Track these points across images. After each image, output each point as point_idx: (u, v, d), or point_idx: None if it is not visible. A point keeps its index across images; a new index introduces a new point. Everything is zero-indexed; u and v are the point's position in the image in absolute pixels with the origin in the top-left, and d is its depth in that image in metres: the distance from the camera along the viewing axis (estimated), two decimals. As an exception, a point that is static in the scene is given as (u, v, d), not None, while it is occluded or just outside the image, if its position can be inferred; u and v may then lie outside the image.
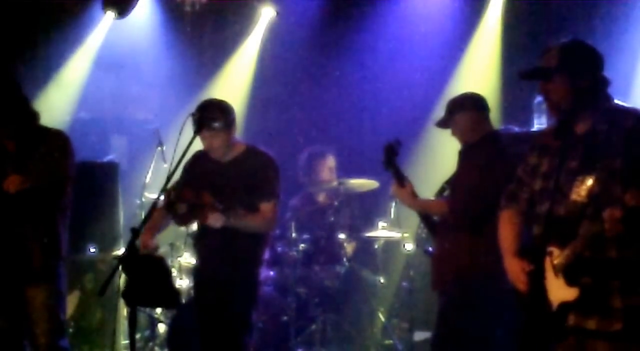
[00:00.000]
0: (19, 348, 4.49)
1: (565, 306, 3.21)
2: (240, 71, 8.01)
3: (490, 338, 4.42)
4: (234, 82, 7.97)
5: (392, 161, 4.63)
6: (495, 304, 4.26)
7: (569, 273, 3.20)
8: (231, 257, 4.75)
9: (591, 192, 3.14)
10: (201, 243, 4.93)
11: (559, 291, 3.22)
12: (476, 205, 4.36)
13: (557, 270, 3.23)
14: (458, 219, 4.48)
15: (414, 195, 4.67)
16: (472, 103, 4.63)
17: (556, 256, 3.24)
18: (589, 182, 3.14)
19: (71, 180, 4.51)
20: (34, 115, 4.52)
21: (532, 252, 3.37)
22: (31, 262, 4.38)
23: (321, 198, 6.94)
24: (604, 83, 3.36)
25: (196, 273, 5.06)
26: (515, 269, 3.43)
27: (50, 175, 4.33)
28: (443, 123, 4.67)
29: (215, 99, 4.85)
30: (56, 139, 4.46)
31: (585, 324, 3.20)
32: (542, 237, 3.30)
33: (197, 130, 4.44)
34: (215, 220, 4.50)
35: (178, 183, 4.67)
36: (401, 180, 4.67)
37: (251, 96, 7.88)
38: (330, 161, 6.91)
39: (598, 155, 3.21)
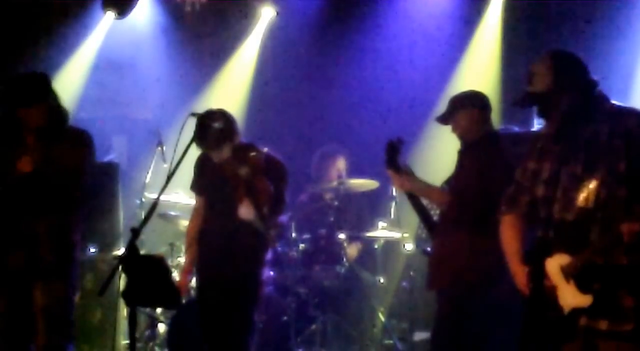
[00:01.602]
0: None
1: (577, 311, 3.22)
2: (240, 71, 8.00)
3: (488, 338, 4.41)
4: (234, 82, 7.96)
5: (394, 159, 4.62)
6: (493, 305, 4.26)
7: (581, 280, 3.20)
8: (233, 256, 4.76)
9: (597, 197, 3.14)
10: (203, 242, 4.95)
11: (571, 297, 3.22)
12: (475, 205, 4.35)
13: (568, 276, 3.22)
14: (456, 217, 4.46)
15: (413, 177, 4.62)
16: (475, 101, 4.63)
17: (566, 262, 3.24)
18: (595, 186, 3.13)
19: (86, 179, 4.48)
20: (63, 115, 4.53)
21: (537, 257, 3.36)
22: (43, 261, 4.36)
23: (328, 197, 6.94)
24: (594, 86, 3.35)
25: (199, 273, 5.06)
26: (522, 276, 3.42)
27: (64, 168, 4.33)
28: (443, 119, 4.66)
29: (210, 112, 4.80)
30: (77, 137, 4.49)
31: (596, 325, 3.21)
32: (549, 242, 3.29)
33: (199, 145, 4.53)
34: (246, 213, 4.56)
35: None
36: (398, 171, 4.62)
37: (251, 96, 7.87)
38: (340, 162, 6.92)
39: (601, 159, 3.21)
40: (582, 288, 3.19)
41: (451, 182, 4.66)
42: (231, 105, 6.60)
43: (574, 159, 3.29)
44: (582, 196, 3.19)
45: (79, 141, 4.48)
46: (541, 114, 3.41)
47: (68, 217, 4.46)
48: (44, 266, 4.37)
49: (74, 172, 4.39)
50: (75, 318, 6.27)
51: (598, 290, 3.17)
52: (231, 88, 7.87)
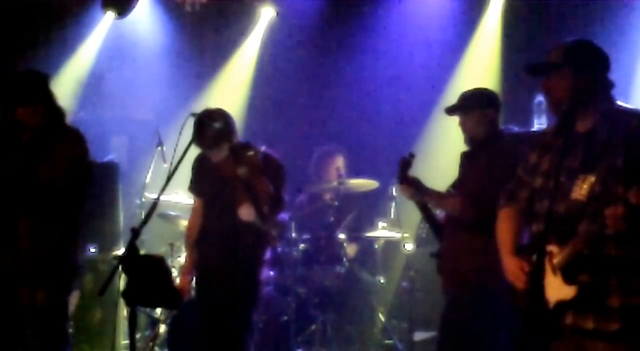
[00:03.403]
0: None
1: (562, 304, 3.20)
2: (240, 71, 8.01)
3: (494, 339, 4.41)
4: (234, 82, 7.97)
5: (405, 174, 4.64)
6: (499, 305, 4.24)
7: (568, 271, 3.19)
8: (233, 256, 4.77)
9: (592, 191, 3.15)
10: (203, 243, 4.95)
11: (557, 289, 3.21)
12: (488, 208, 4.34)
13: (555, 268, 3.22)
14: (474, 220, 4.44)
15: (421, 187, 4.62)
16: (490, 100, 4.62)
17: (555, 254, 3.23)
18: (590, 181, 3.14)
19: (83, 182, 4.42)
20: (59, 112, 4.48)
21: (530, 250, 3.35)
22: (24, 264, 4.28)
23: (327, 197, 6.95)
24: (608, 84, 3.36)
25: (198, 273, 5.07)
26: (513, 268, 3.40)
27: (54, 169, 4.25)
28: (452, 111, 4.64)
29: (209, 111, 4.80)
30: (71, 139, 4.40)
31: (582, 324, 3.19)
32: (542, 235, 3.27)
33: (198, 145, 4.52)
34: (247, 214, 4.56)
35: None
36: (408, 183, 4.63)
37: (251, 96, 7.87)
38: (339, 161, 6.93)
39: (599, 155, 3.21)
40: (568, 279, 3.18)
41: (459, 184, 4.64)
42: (231, 105, 6.61)
43: (573, 154, 3.29)
44: (576, 190, 3.19)
45: (72, 143, 4.39)
46: (544, 91, 3.39)
47: (56, 220, 4.34)
48: (27, 271, 4.28)
49: (63, 175, 4.28)
50: (75, 318, 6.34)
51: (583, 282, 3.16)
52: (231, 89, 7.88)
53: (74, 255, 4.48)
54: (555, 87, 3.33)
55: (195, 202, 5.11)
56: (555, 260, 3.23)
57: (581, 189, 3.17)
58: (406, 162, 4.63)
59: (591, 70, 3.32)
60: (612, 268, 3.16)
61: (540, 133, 3.63)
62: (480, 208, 4.35)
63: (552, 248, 3.25)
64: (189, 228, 5.10)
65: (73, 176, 4.33)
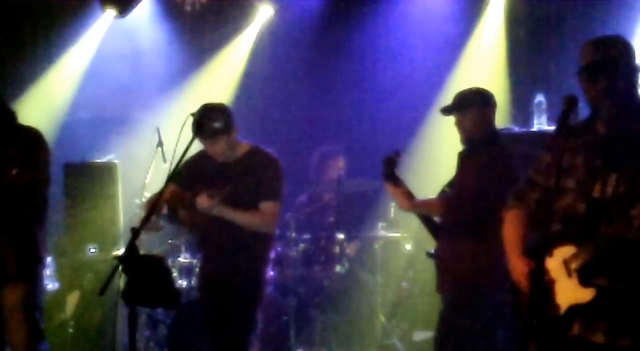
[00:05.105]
0: None
1: (574, 309, 3.10)
2: (240, 71, 8.01)
3: (492, 339, 4.41)
4: (234, 82, 7.97)
5: (392, 173, 4.65)
6: (497, 305, 4.25)
7: (585, 273, 3.07)
8: (235, 255, 4.76)
9: (616, 190, 3.07)
10: (205, 241, 4.94)
11: (571, 293, 3.10)
12: (474, 207, 4.35)
13: (572, 269, 3.10)
14: (455, 221, 4.46)
15: (409, 195, 4.68)
16: (486, 99, 4.63)
17: (572, 254, 3.12)
18: (613, 180, 3.07)
19: (47, 178, 4.41)
20: (10, 114, 4.42)
21: (540, 251, 3.19)
22: (4, 264, 4.29)
23: (327, 197, 6.95)
24: (635, 82, 3.27)
25: (201, 271, 5.06)
26: (521, 269, 3.31)
27: (26, 174, 4.21)
28: (449, 111, 4.65)
29: (210, 104, 4.80)
30: (30, 137, 4.35)
31: (592, 338, 3.09)
32: (558, 235, 3.17)
33: (195, 136, 4.47)
34: (204, 203, 4.51)
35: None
36: (396, 182, 4.69)
37: (250, 96, 7.87)
38: (339, 161, 6.94)
39: (623, 154, 3.13)
40: (584, 282, 3.07)
41: (455, 184, 4.65)
42: (231, 104, 6.59)
43: (594, 153, 3.20)
44: (598, 189, 3.10)
45: (32, 141, 4.32)
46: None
47: (30, 223, 4.36)
48: (8, 271, 4.29)
49: (34, 178, 4.26)
50: (75, 318, 6.34)
51: (600, 286, 3.05)
52: (231, 88, 7.87)
53: (41, 251, 4.48)
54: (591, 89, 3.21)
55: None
56: (573, 261, 3.10)
57: (604, 188, 3.09)
58: (391, 160, 4.64)
59: (626, 71, 3.22)
60: (629, 274, 3.05)
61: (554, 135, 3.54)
62: (464, 209, 4.37)
63: (567, 248, 3.14)
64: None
65: (34, 185, 4.32)
